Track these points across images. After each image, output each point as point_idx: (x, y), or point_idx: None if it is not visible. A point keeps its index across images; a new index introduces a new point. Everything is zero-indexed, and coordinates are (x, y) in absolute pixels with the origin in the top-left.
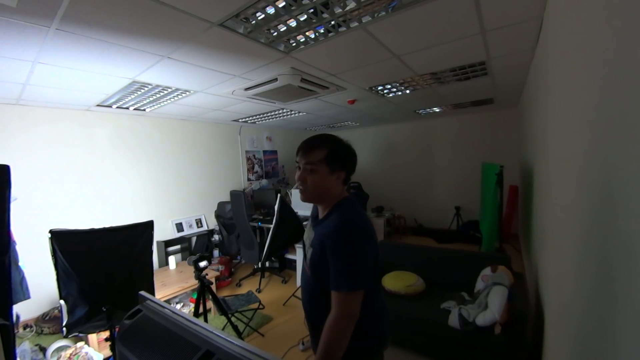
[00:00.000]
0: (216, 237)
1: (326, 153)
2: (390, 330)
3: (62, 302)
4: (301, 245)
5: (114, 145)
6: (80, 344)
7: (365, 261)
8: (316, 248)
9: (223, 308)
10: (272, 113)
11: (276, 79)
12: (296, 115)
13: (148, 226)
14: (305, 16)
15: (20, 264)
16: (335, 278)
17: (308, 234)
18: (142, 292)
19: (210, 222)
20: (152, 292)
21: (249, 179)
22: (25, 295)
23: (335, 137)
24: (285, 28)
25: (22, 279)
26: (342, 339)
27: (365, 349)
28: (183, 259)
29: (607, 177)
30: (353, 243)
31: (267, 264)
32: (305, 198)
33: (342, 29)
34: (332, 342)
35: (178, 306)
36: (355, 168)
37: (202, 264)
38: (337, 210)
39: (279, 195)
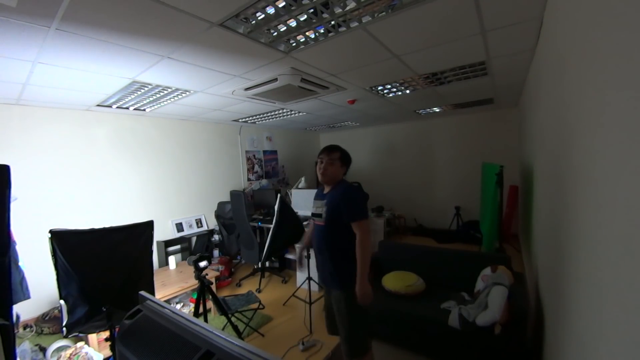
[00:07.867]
0: (216, 237)
1: (340, 154)
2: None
3: (62, 302)
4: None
5: (114, 145)
6: (80, 344)
7: (365, 204)
8: (331, 205)
9: (223, 308)
10: (272, 113)
11: (276, 79)
12: (296, 115)
13: (148, 226)
14: (305, 16)
15: (20, 264)
16: (353, 215)
17: (317, 204)
18: (142, 292)
19: (210, 222)
20: (152, 292)
21: (249, 179)
22: (25, 295)
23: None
24: (285, 28)
25: (22, 279)
26: (369, 247)
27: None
28: (183, 259)
29: (606, 177)
30: (358, 195)
31: (267, 264)
32: (325, 180)
33: (342, 29)
34: (365, 251)
35: (178, 306)
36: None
37: (202, 264)
38: (340, 184)
39: (279, 195)
